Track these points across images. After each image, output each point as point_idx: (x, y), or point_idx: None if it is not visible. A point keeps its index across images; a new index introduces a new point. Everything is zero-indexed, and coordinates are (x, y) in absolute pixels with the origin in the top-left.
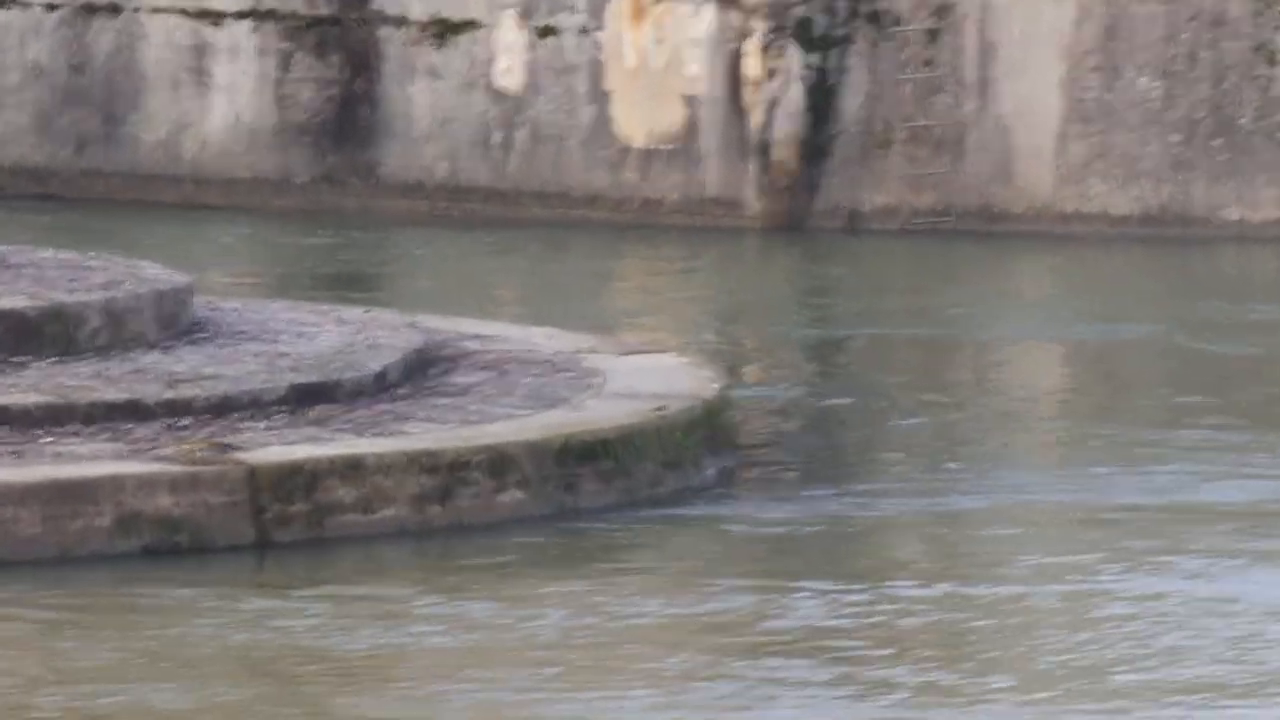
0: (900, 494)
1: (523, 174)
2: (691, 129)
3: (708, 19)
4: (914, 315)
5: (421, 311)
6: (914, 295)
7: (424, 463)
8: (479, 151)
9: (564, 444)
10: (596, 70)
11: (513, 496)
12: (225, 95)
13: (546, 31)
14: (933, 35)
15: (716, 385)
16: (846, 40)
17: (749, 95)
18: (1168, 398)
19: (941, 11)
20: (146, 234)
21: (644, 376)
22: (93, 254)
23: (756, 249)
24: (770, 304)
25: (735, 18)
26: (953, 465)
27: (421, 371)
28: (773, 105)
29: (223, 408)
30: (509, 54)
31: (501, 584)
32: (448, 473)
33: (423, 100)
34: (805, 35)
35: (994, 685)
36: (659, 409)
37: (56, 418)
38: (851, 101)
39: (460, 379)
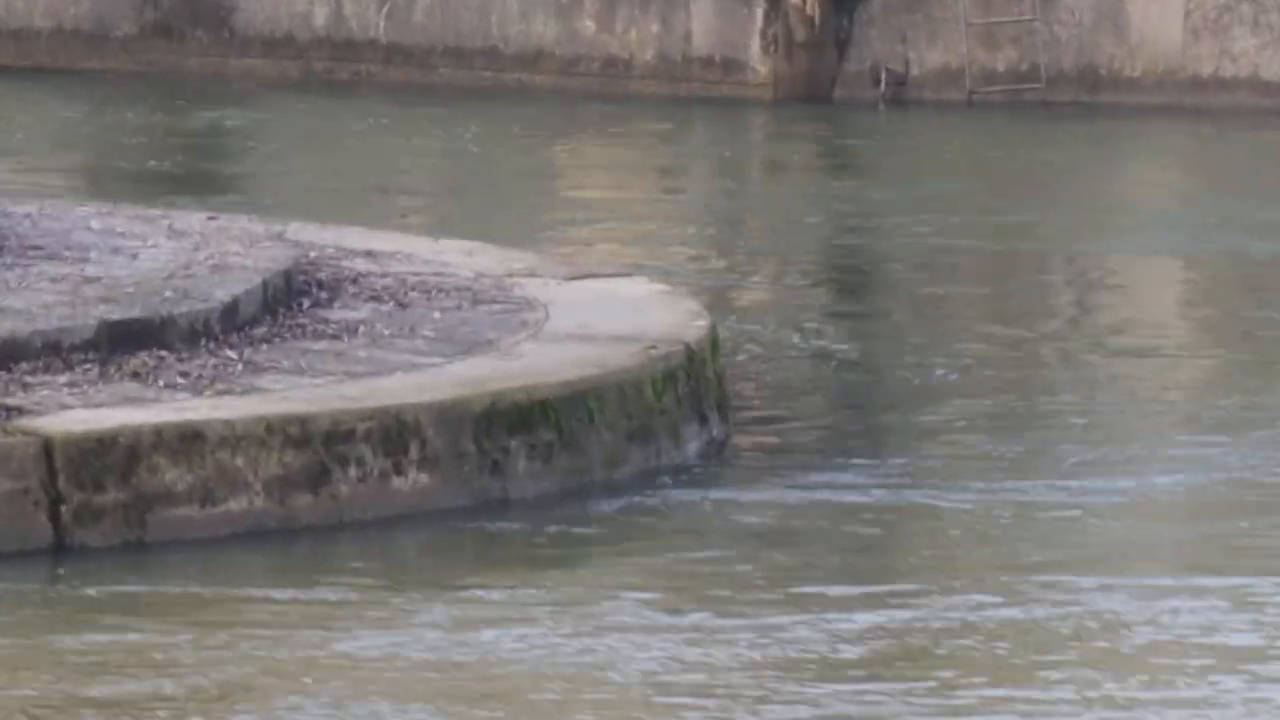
0: (951, 476)
1: (434, 24)
2: None
3: None
4: (976, 222)
5: (290, 218)
6: (978, 194)
7: (289, 433)
8: None
9: (488, 407)
10: None
11: (415, 481)
12: None
13: None
14: None
15: (702, 322)
16: None
17: None
18: None
19: None
20: None
21: (601, 310)
22: None
23: (761, 127)
24: (777, 207)
25: None
26: (1013, 445)
27: (289, 303)
28: None
29: (5, 355)
30: None
31: (390, 615)
32: (323, 448)
33: None
34: None
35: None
36: (642, 352)
37: None
38: None
39: (343, 313)
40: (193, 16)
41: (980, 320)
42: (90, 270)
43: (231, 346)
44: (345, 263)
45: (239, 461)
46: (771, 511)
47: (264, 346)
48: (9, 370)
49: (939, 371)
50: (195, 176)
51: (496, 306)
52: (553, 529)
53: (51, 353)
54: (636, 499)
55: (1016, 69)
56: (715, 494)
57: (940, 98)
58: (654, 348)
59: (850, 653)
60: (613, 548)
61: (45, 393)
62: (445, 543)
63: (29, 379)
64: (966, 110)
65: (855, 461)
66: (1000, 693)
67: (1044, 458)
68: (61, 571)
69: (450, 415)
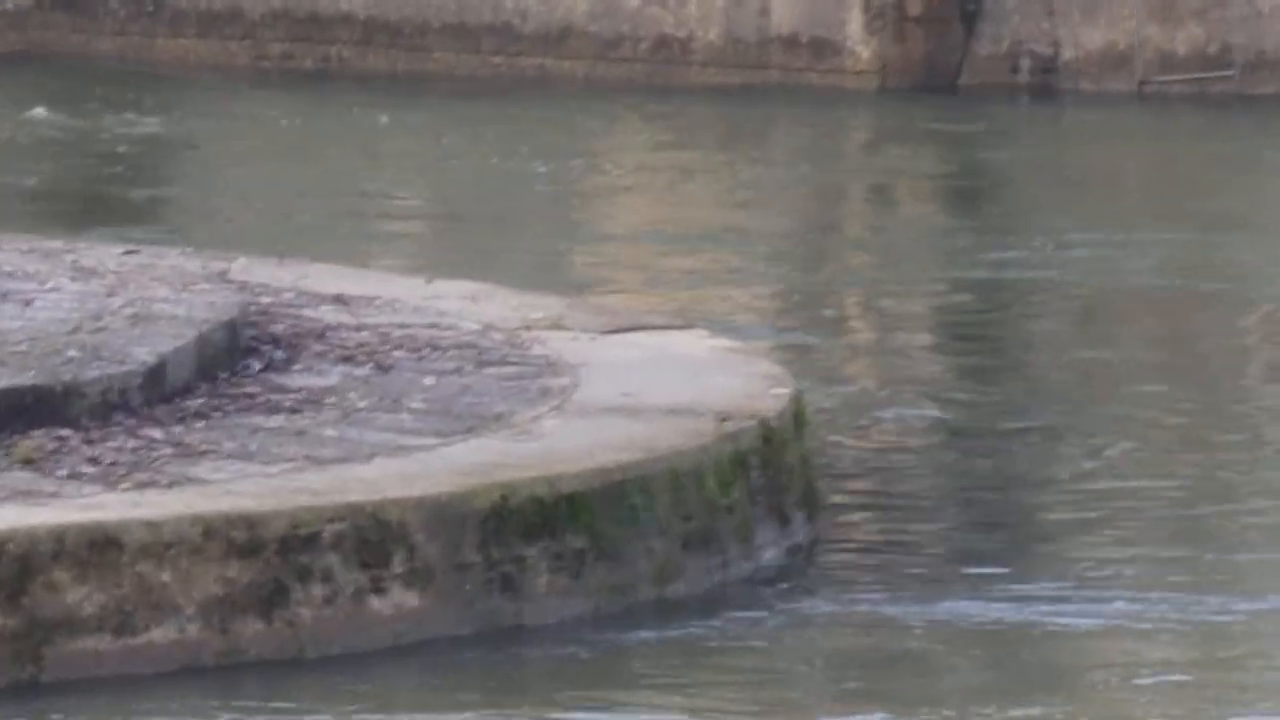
0: (1099, 588)
1: None
2: None
3: None
4: (1150, 253)
5: (236, 252)
6: (1152, 216)
7: (234, 539)
8: None
9: (497, 504)
10: None
11: (400, 603)
12: None
13: None
14: None
15: (783, 390)
16: None
17: None
18: None
19: None
20: None
21: (648, 374)
22: None
23: (863, 127)
24: (883, 235)
25: None
26: (1180, 550)
27: (233, 366)
28: None
29: None
30: None
31: None
32: (278, 558)
33: None
34: None
35: None
36: (707, 428)
37: None
38: None
39: (305, 379)
40: None
41: (1150, 385)
42: None
43: (157, 423)
44: (308, 311)
45: (166, 577)
46: (871, 640)
47: (200, 423)
48: None
49: (1092, 457)
50: (110, 197)
51: (509, 370)
52: (583, 665)
53: None
54: (695, 625)
55: (1202, 52)
56: (798, 617)
57: (1102, 88)
58: (726, 419)
59: None
60: (661, 690)
61: None
62: (438, 684)
63: None
64: (1137, 104)
65: (983, 573)
66: None
67: (1220, 569)
68: None
69: (447, 515)
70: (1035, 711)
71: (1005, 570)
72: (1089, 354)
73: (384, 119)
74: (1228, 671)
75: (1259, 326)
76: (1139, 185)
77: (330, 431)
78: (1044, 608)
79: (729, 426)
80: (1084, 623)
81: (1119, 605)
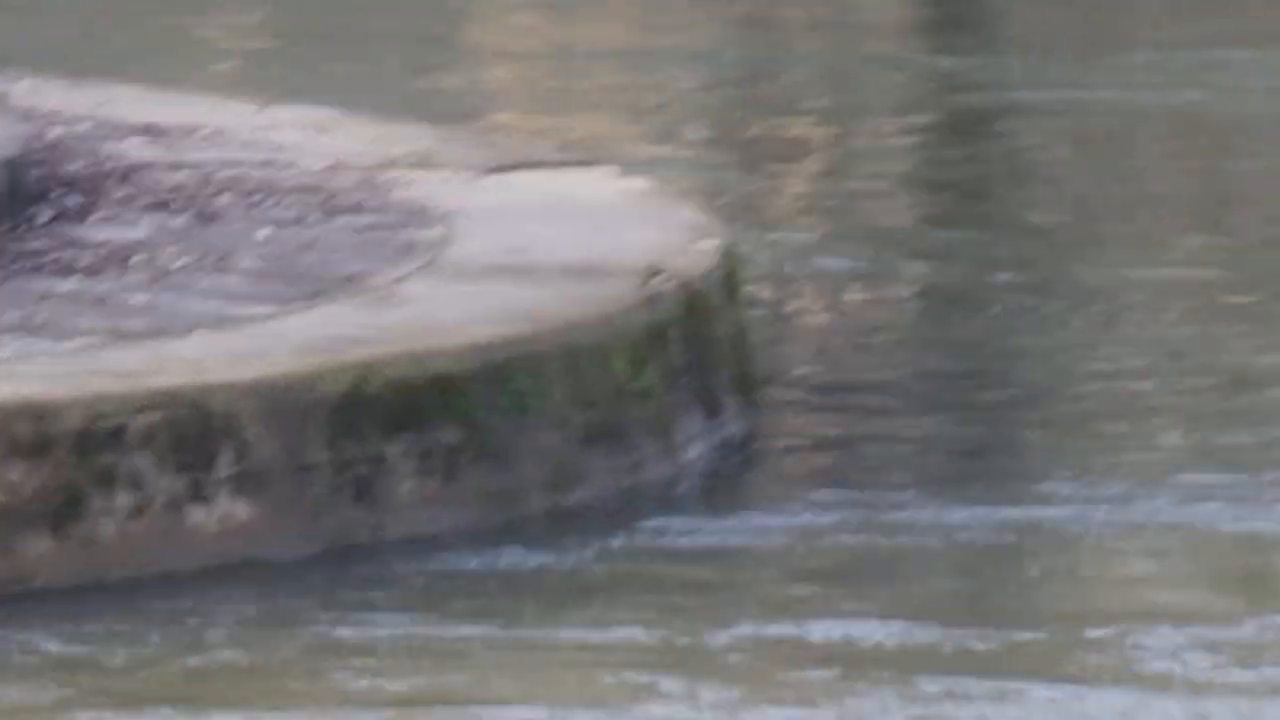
0: (1080, 499)
1: None
2: None
3: None
4: (1169, 66)
5: (16, 70)
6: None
7: (17, 436)
8: None
9: (350, 389)
10: None
11: (226, 514)
12: None
13: None
14: None
15: (711, 242)
16: None
17: None
18: None
19: None
20: None
21: (542, 223)
22: None
23: None
24: (842, 49)
25: None
26: (1208, 446)
27: (15, 216)
28: None
29: None
30: None
31: None
32: (72, 458)
33: None
34: None
35: None
36: (641, 285)
37: None
38: None
39: (108, 231)
40: None
41: (1169, 226)
42: None
43: None
44: (111, 146)
45: None
46: (816, 557)
47: None
48: None
49: (1090, 326)
50: None
51: (364, 219)
52: (457, 590)
53: None
54: (598, 541)
55: None
56: (728, 531)
57: None
58: (656, 274)
59: None
60: (552, 622)
61: None
62: (273, 614)
63: None
64: None
65: (952, 472)
66: None
67: (1256, 489)
68: None
69: (286, 403)
70: (1003, 639)
71: (978, 468)
72: (1092, 192)
73: None
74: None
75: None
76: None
77: (139, 298)
78: (1021, 513)
79: (659, 284)
80: (1071, 530)
81: (1107, 511)
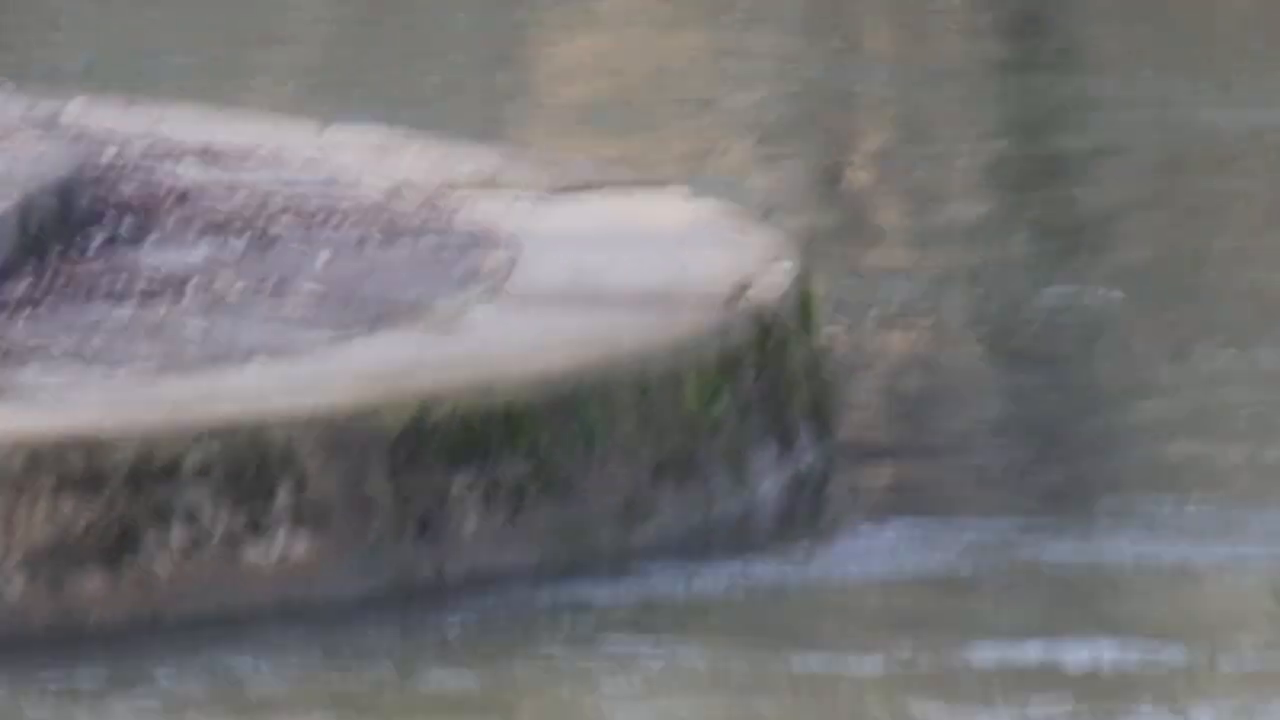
0: (1171, 533)
1: None
2: None
3: None
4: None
5: (69, 90)
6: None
7: (68, 469)
8: None
9: (413, 421)
10: None
11: (286, 550)
12: None
13: None
14: None
15: (786, 267)
16: None
17: None
18: None
19: None
20: None
21: (608, 247)
22: None
23: None
24: (923, 77)
25: None
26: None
27: (68, 240)
28: None
29: None
30: None
31: None
32: (127, 492)
33: None
34: None
35: None
36: (732, 302)
37: None
38: None
39: (163, 255)
40: None
41: (1261, 261)
42: None
43: None
44: (167, 167)
45: None
46: (899, 599)
47: (24, 314)
48: None
49: (1185, 360)
50: None
51: (427, 243)
52: (524, 631)
53: None
54: (669, 579)
55: None
56: (804, 570)
57: None
58: (747, 288)
59: None
60: (624, 663)
61: None
62: (334, 655)
63: None
64: None
65: (1042, 511)
66: None
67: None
68: None
69: (347, 435)
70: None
71: (1070, 508)
72: (1179, 226)
73: None
74: None
75: None
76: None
77: (195, 325)
78: (1119, 552)
79: (740, 305)
80: (1163, 570)
81: (1208, 550)
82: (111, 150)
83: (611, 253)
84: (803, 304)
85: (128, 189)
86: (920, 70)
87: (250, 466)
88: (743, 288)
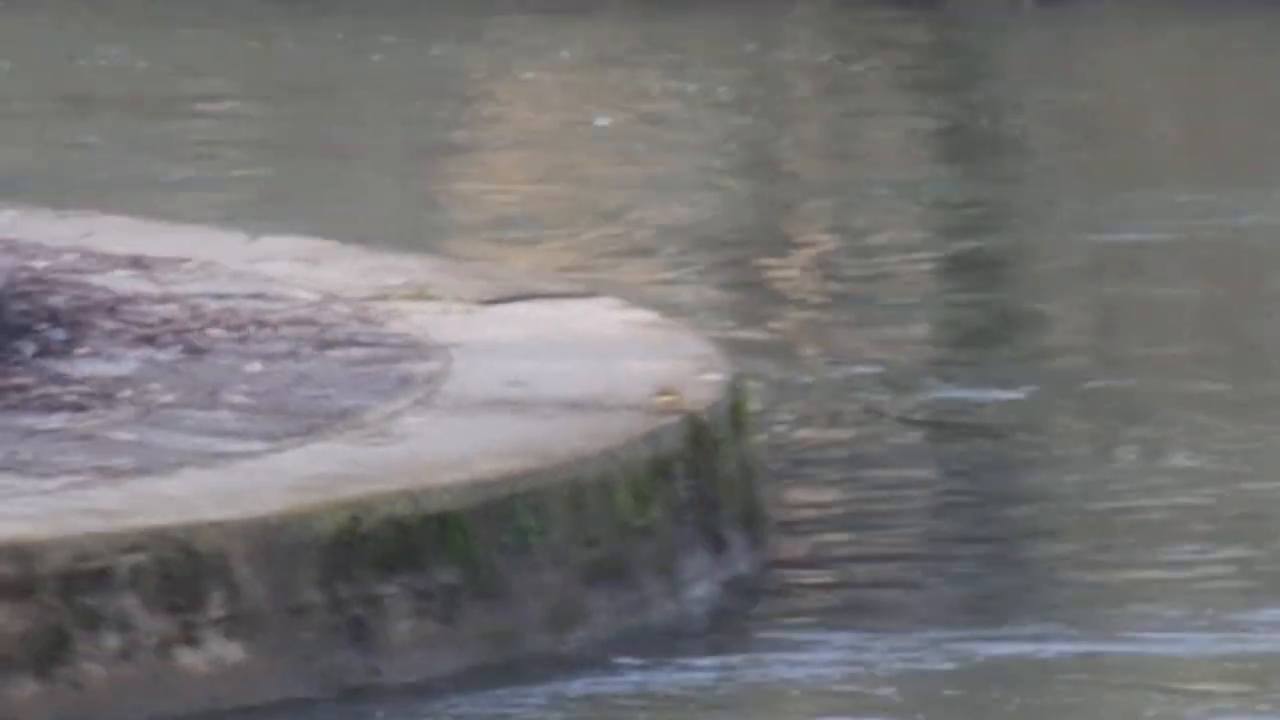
0: (1123, 629)
1: None
2: None
3: None
4: (1190, 200)
5: (2, 196)
6: (1192, 149)
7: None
8: None
9: (345, 528)
10: None
11: (218, 657)
12: None
13: None
14: None
15: (717, 376)
16: None
17: None
18: None
19: None
20: None
21: (540, 356)
22: None
23: (815, 30)
24: (842, 170)
25: None
26: (1236, 571)
27: (0, 345)
28: None
29: None
30: None
31: None
32: (58, 600)
33: None
34: None
35: None
36: (654, 407)
37: None
38: None
39: (94, 366)
40: None
41: (1193, 373)
42: None
43: None
44: (97, 278)
45: None
46: (833, 701)
47: None
48: None
49: (1107, 457)
50: None
51: (358, 352)
52: None
53: None
54: (601, 683)
55: None
56: (737, 673)
57: None
58: (668, 395)
59: None
60: None
61: None
62: None
63: None
64: (1171, 4)
65: (974, 610)
66: None
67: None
68: None
69: (279, 543)
70: None
71: (1001, 606)
72: (1103, 324)
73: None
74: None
75: None
76: (1169, 105)
77: (126, 434)
78: (1044, 649)
79: (665, 405)
80: (1101, 667)
81: (1144, 641)
82: (42, 261)
83: (542, 361)
84: (733, 410)
85: (58, 299)
86: (849, 169)
87: (182, 575)
88: (663, 390)
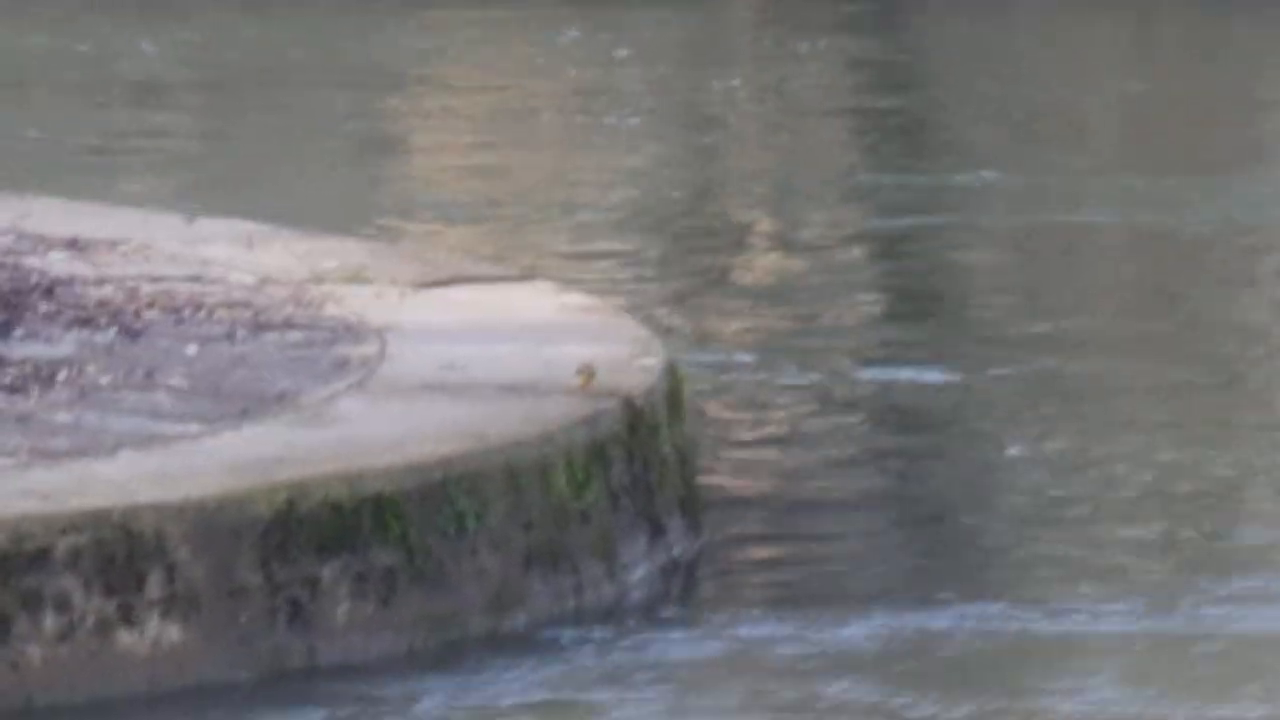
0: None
1: None
2: None
3: None
4: (1129, 183)
5: None
6: (1125, 125)
7: None
8: None
9: (282, 509)
10: None
11: (157, 637)
12: None
13: None
14: None
15: (652, 359)
16: None
17: None
18: None
19: None
20: None
21: (476, 339)
22: None
23: (748, 21)
24: (781, 151)
25: None
26: (1169, 553)
27: None
28: None
29: None
30: None
31: None
32: None
33: None
34: None
35: None
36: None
37: None
38: None
39: (30, 348)
40: None
41: (1121, 342)
42: None
43: None
44: (32, 260)
45: None
46: (768, 685)
47: None
48: None
49: (1036, 438)
50: None
51: (294, 335)
52: (393, 719)
53: None
54: (539, 667)
55: None
56: (674, 657)
57: None
58: (587, 372)
59: None
60: None
61: None
62: None
63: None
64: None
65: (907, 592)
66: None
67: (1200, 582)
68: None
69: (216, 524)
70: None
71: (934, 585)
72: (1039, 307)
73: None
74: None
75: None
76: (1104, 83)
77: (63, 416)
78: (977, 625)
79: (588, 378)
80: (1035, 643)
81: (1075, 620)
82: None
83: (479, 344)
84: (670, 393)
85: None
86: (790, 153)
87: (120, 555)
88: (588, 367)
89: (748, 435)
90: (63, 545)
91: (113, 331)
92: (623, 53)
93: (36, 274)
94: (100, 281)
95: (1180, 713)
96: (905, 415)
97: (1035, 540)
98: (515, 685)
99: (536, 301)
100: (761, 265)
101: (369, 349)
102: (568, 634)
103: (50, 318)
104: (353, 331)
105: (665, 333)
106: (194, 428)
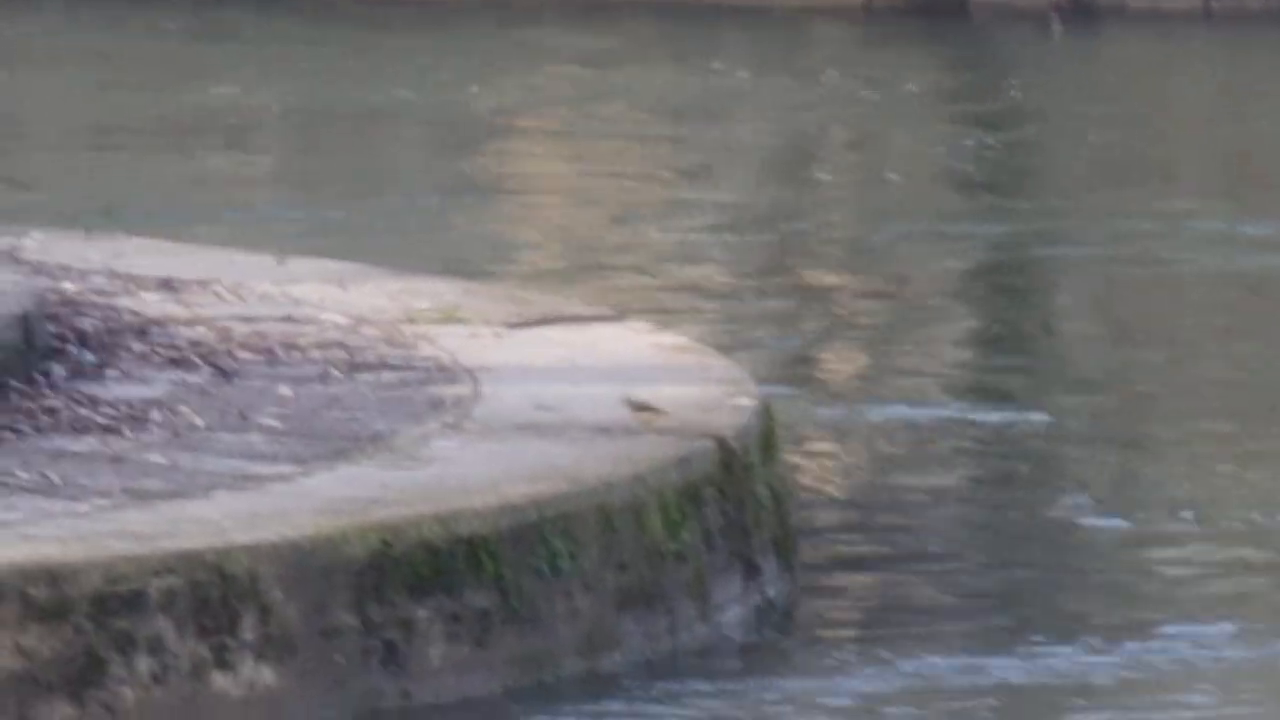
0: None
1: None
2: None
3: None
4: (1226, 229)
5: (27, 222)
6: (1229, 175)
7: (32, 599)
8: None
9: (376, 551)
10: None
11: (251, 679)
12: None
13: None
14: None
15: (747, 400)
16: None
17: None
18: None
19: None
20: None
21: (569, 379)
22: None
23: (845, 57)
24: (873, 198)
25: None
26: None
27: (28, 372)
28: None
29: None
30: None
31: None
32: (90, 623)
33: None
34: None
35: None
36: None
37: None
38: None
39: (124, 388)
40: None
41: (1211, 382)
42: None
43: None
44: (126, 301)
45: None
46: None
47: None
48: None
49: (1139, 472)
50: None
51: (388, 376)
52: None
53: None
54: (634, 707)
55: None
56: (769, 699)
57: (1160, 6)
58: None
59: None
60: None
61: None
62: None
63: None
64: (1204, 25)
65: (1009, 633)
66: None
67: None
68: None
69: (311, 566)
70: None
71: (1030, 628)
72: (1130, 348)
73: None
74: None
75: None
76: (1205, 132)
77: (157, 457)
78: (1075, 667)
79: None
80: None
81: (1169, 657)
82: (71, 284)
83: (572, 384)
84: (764, 434)
85: (88, 321)
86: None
87: (214, 597)
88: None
89: (842, 475)
90: (156, 587)
91: (206, 372)
92: (724, 98)
93: (129, 314)
94: (193, 322)
95: None
96: (998, 455)
97: (1132, 572)
98: None
99: (629, 341)
100: (855, 305)
101: (462, 389)
102: (661, 676)
103: (143, 358)
104: (446, 372)
105: (759, 373)
106: (288, 468)
